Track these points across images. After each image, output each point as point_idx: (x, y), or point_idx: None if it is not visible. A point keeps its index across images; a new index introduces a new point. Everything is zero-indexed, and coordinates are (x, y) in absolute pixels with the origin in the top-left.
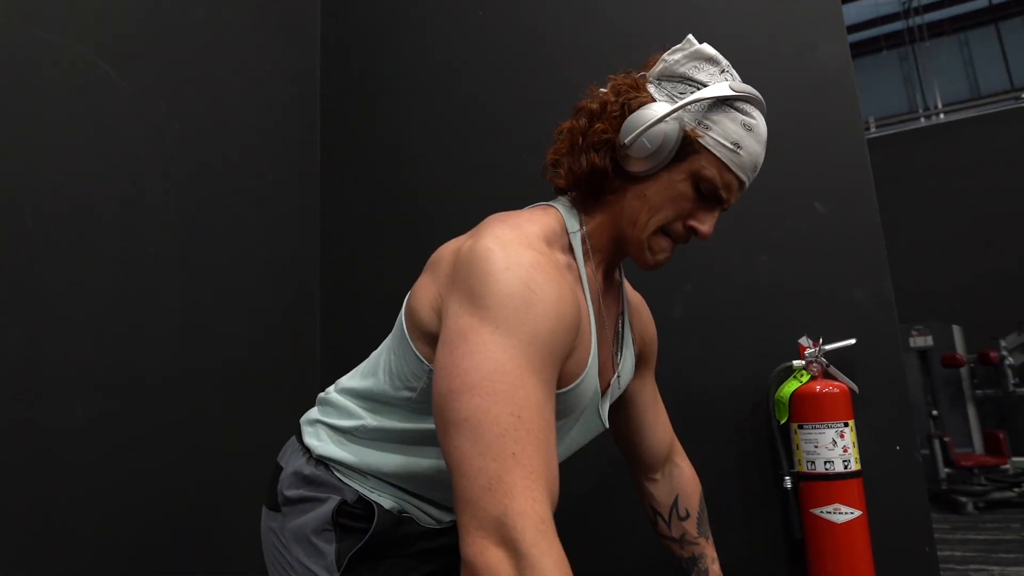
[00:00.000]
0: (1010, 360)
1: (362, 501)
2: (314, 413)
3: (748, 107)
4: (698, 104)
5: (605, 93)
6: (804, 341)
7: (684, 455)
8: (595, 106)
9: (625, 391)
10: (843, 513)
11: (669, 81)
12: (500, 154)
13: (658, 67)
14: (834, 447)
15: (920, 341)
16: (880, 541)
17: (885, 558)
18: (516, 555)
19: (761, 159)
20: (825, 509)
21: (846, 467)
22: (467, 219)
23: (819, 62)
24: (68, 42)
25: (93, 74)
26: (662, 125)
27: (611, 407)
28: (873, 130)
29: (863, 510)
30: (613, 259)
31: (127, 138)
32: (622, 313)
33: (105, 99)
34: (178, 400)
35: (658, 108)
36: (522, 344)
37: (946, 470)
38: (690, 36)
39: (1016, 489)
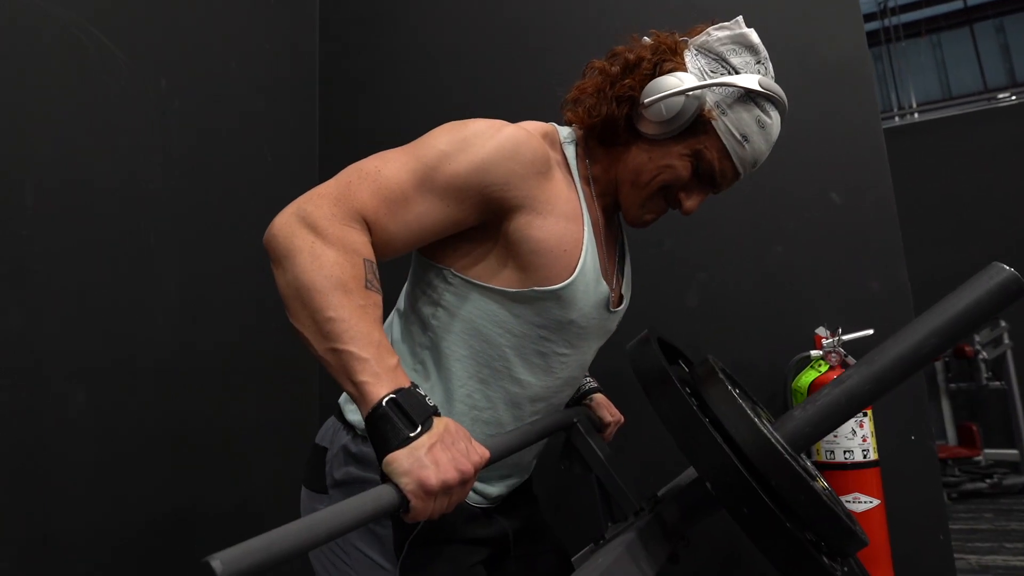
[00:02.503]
0: (984, 354)
1: None
2: None
3: (768, 106)
4: (723, 89)
5: (643, 47)
6: (821, 331)
7: None
8: (631, 57)
9: None
10: (862, 502)
11: (705, 56)
12: None
13: (700, 38)
14: (853, 437)
15: None
16: (896, 529)
17: (902, 547)
18: (300, 221)
19: (764, 157)
20: (845, 498)
21: (865, 457)
22: None
23: (836, 53)
24: (69, 16)
25: (95, 49)
26: (683, 99)
27: None
28: None
29: (881, 499)
30: (613, 198)
31: (127, 114)
32: (622, 244)
33: (106, 75)
34: (174, 383)
35: (684, 79)
36: (430, 155)
37: None
38: (739, 18)
39: (988, 480)
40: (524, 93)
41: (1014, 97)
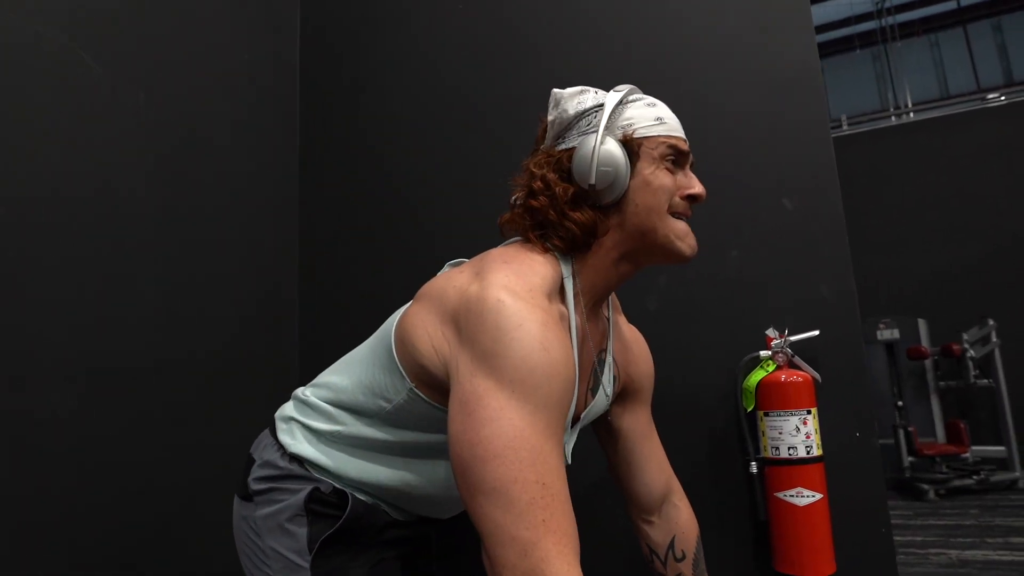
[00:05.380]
0: (971, 353)
1: (336, 492)
2: (289, 409)
3: (637, 96)
4: (611, 117)
5: (532, 170)
6: (771, 332)
7: (683, 495)
8: (537, 184)
9: (616, 426)
10: (805, 496)
11: (568, 129)
12: (481, 149)
13: (552, 130)
14: (797, 434)
15: (887, 334)
16: (840, 523)
17: (844, 539)
18: None
19: (678, 121)
20: (788, 492)
21: (808, 453)
22: (446, 215)
23: (788, 61)
24: (43, 28)
25: (71, 62)
26: (605, 147)
27: (604, 443)
28: (845, 128)
29: (824, 493)
30: (601, 294)
31: (106, 126)
32: (604, 350)
33: (83, 87)
34: (155, 390)
35: (587, 141)
36: (538, 409)
37: (910, 458)
38: (552, 91)
39: (975, 477)
40: (515, 100)
41: (1004, 98)
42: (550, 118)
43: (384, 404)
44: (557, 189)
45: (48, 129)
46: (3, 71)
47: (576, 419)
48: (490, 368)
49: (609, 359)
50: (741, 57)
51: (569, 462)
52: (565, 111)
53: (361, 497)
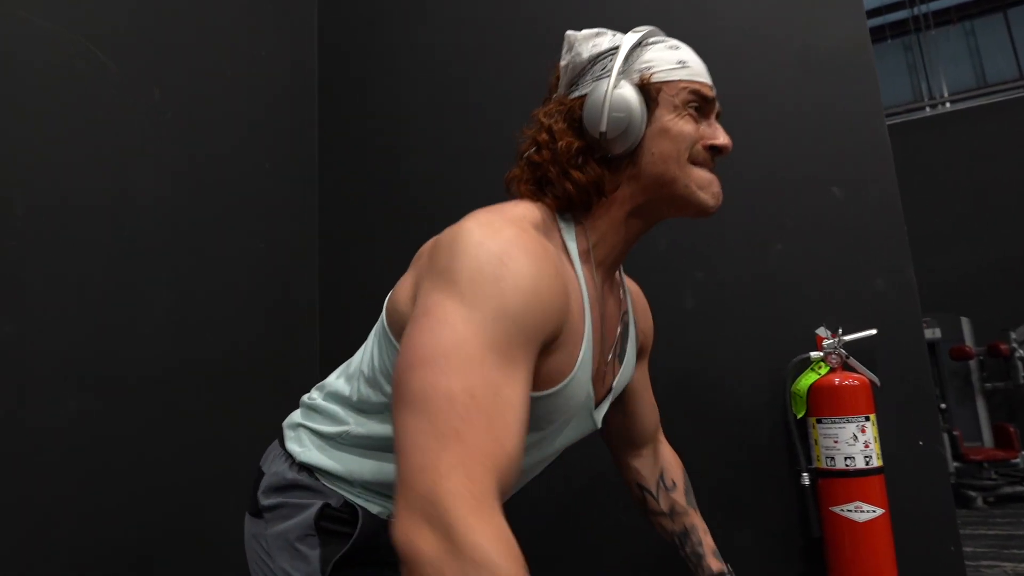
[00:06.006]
0: (1020, 352)
1: (347, 505)
2: (297, 417)
3: (658, 38)
4: (628, 59)
5: (541, 119)
6: (822, 332)
7: (663, 437)
8: (543, 136)
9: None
10: (864, 511)
11: (584, 74)
12: (498, 146)
13: (565, 76)
14: (855, 442)
15: (928, 333)
16: (903, 540)
17: (909, 558)
18: (446, 535)
19: (703, 65)
20: (846, 507)
21: (867, 463)
22: (464, 212)
23: (837, 44)
24: (58, 26)
25: (84, 60)
26: (618, 91)
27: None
28: None
29: (886, 508)
30: (618, 254)
31: (119, 125)
32: (626, 313)
33: (97, 85)
34: (171, 396)
35: (600, 85)
36: (487, 319)
37: (955, 464)
38: (567, 33)
39: None
40: (529, 94)
41: None
42: (563, 63)
43: (388, 388)
44: (561, 143)
45: (64, 130)
46: (21, 71)
47: (609, 390)
48: (444, 282)
49: (631, 325)
50: (788, 40)
51: (598, 426)
52: (579, 55)
53: (375, 510)
